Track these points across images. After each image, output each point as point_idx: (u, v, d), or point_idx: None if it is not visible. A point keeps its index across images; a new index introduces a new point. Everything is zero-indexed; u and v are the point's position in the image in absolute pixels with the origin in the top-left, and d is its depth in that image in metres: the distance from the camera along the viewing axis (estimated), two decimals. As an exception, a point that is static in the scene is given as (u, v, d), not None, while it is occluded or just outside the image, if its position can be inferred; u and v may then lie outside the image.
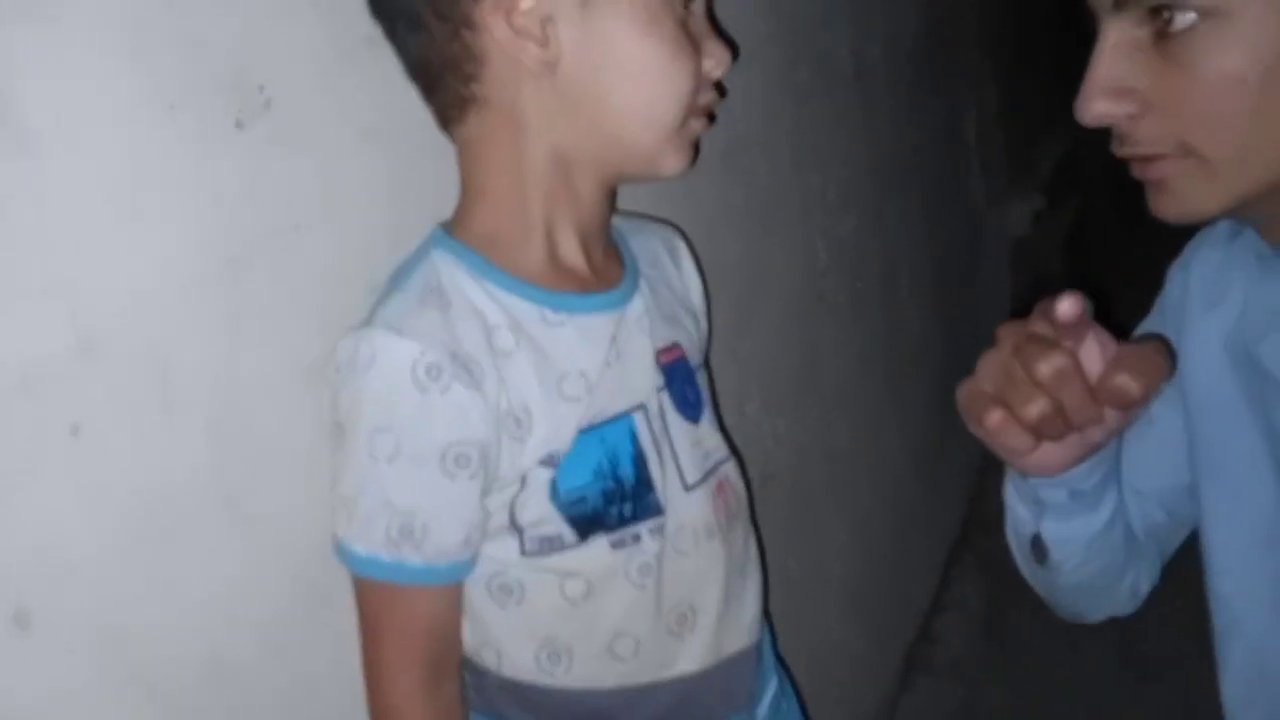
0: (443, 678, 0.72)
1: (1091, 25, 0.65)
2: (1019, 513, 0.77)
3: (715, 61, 0.73)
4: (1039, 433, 0.61)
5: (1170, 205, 0.64)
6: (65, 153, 0.58)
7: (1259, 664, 0.75)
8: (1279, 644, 0.73)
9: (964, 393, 0.65)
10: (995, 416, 0.61)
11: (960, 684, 1.89)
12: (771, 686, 0.85)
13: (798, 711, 0.91)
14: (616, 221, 0.82)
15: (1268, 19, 0.58)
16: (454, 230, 0.73)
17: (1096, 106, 0.63)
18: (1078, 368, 0.60)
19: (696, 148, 0.75)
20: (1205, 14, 0.59)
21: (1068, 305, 0.60)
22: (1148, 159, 0.64)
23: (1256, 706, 0.76)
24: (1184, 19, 0.59)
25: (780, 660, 0.91)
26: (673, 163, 0.73)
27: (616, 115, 0.70)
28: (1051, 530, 0.75)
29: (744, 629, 0.81)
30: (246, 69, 0.67)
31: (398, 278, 0.70)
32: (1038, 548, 0.77)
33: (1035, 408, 0.60)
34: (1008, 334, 0.63)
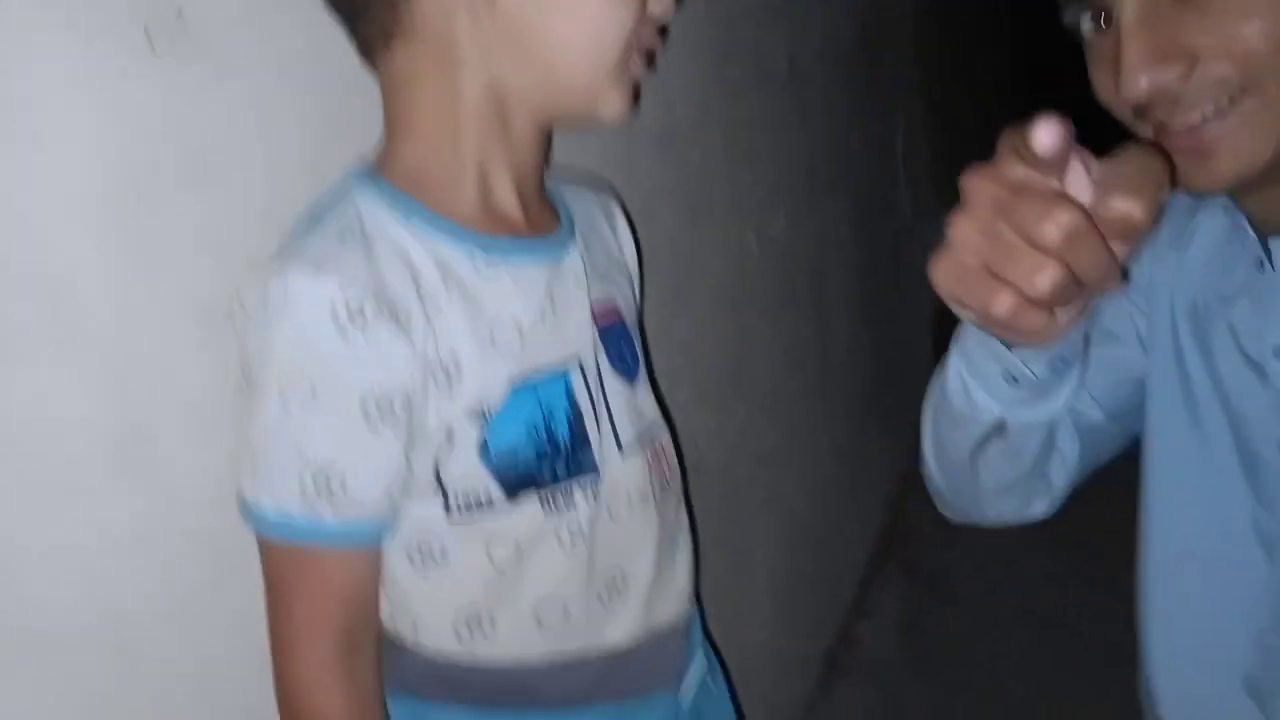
0: (357, 651, 0.67)
1: (1049, 8, 0.63)
2: (976, 399, 0.67)
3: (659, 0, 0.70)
4: (1050, 304, 0.51)
5: (1223, 165, 0.61)
6: None
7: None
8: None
9: (944, 270, 0.52)
10: (1006, 302, 0.50)
11: (879, 686, 1.89)
12: (700, 665, 0.82)
13: (726, 692, 0.88)
14: (551, 179, 0.78)
15: None
16: (378, 169, 0.68)
17: (1144, 77, 0.60)
18: (1087, 220, 0.49)
19: (637, 96, 0.73)
20: None
21: (1046, 134, 0.48)
22: (1199, 126, 0.61)
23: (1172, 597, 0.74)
24: None
25: (710, 641, 0.89)
26: (612, 103, 0.69)
27: (557, 49, 0.67)
28: (1019, 414, 0.67)
29: (673, 600, 0.78)
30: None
31: (313, 218, 0.66)
32: (995, 436, 0.69)
33: (1047, 278, 0.49)
34: (981, 188, 0.51)
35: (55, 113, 0.59)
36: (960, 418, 0.70)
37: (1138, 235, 0.51)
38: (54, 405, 0.59)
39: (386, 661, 0.71)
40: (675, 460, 0.81)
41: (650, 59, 0.73)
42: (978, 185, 0.51)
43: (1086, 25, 0.65)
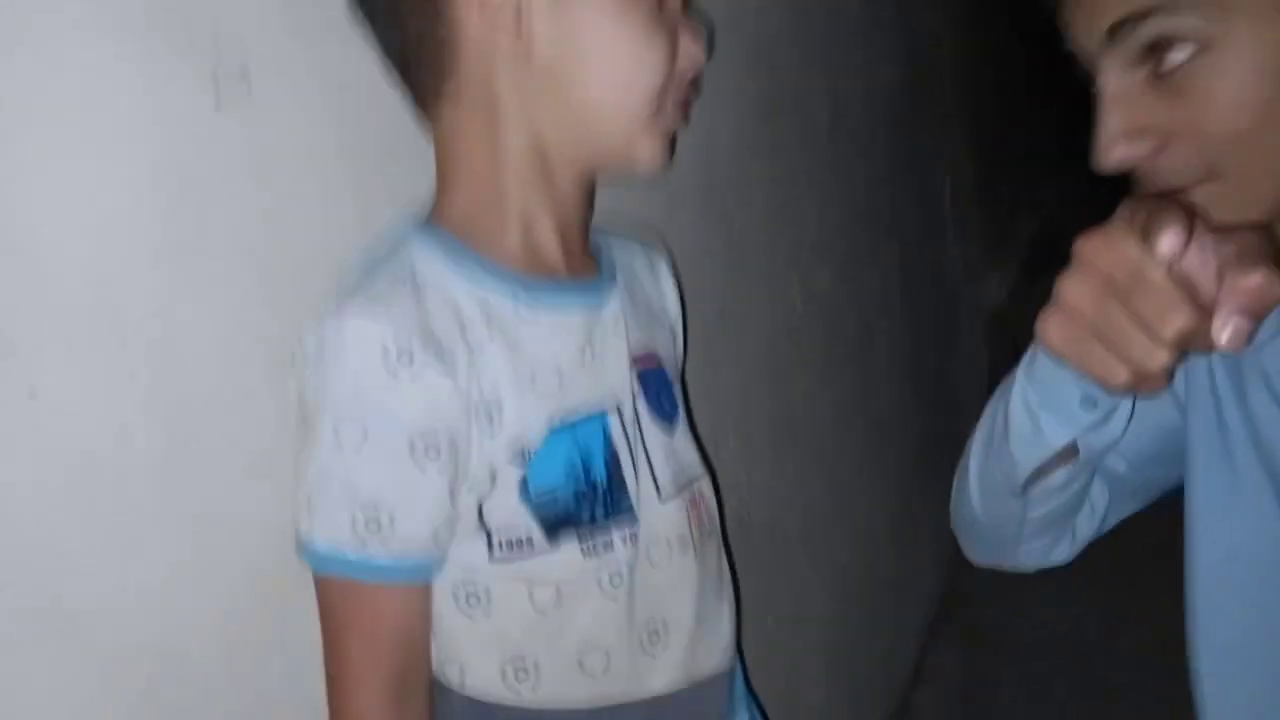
0: (410, 693, 0.68)
1: (1085, 81, 0.65)
2: (1044, 426, 0.69)
3: (690, 48, 0.72)
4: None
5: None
6: (36, 120, 0.56)
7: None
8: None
9: (1056, 329, 0.56)
10: (1123, 376, 0.54)
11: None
12: (743, 718, 0.81)
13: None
14: (597, 231, 0.80)
15: (1264, 33, 0.58)
16: (430, 217, 0.72)
17: (1116, 152, 0.62)
18: (1202, 316, 0.53)
19: (672, 146, 0.74)
20: (1200, 45, 0.59)
21: (1170, 240, 0.52)
22: (1175, 191, 0.62)
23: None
24: (1179, 54, 0.59)
25: (756, 701, 0.87)
26: (647, 153, 0.72)
27: (590, 103, 0.70)
28: (1089, 439, 0.68)
29: (717, 651, 0.77)
30: (225, 36, 0.65)
31: (368, 263, 0.69)
32: (1059, 462, 0.70)
33: (1161, 361, 0.53)
34: (1097, 257, 0.54)
35: (120, 165, 0.61)
36: (1023, 444, 0.71)
37: (1271, 307, 0.54)
38: (115, 447, 0.61)
39: (435, 708, 0.71)
40: (715, 508, 0.81)
41: (685, 109, 0.75)
42: (1094, 253, 0.55)
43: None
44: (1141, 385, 0.55)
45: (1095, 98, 0.65)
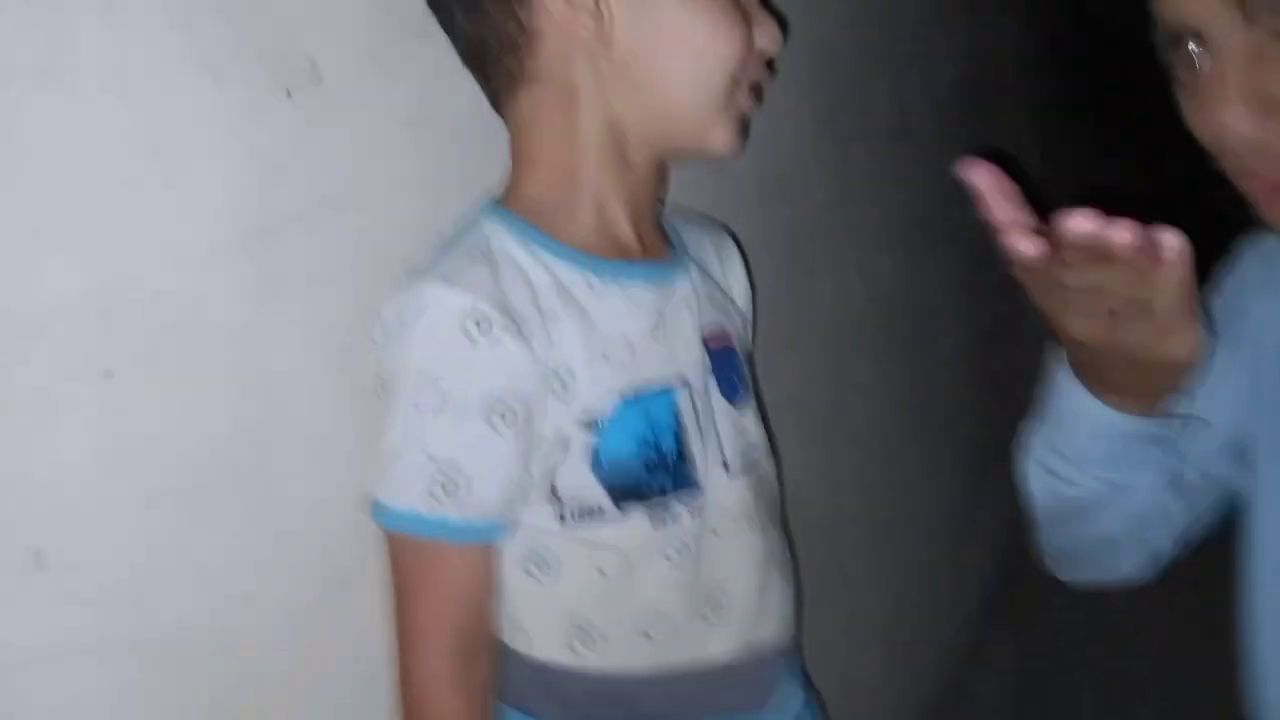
0: (474, 657, 0.70)
1: (1165, 69, 0.61)
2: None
3: (765, 34, 0.74)
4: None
5: None
6: (113, 109, 0.59)
7: None
8: None
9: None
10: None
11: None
12: (799, 698, 0.82)
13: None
14: (670, 213, 0.83)
15: None
16: (503, 201, 0.74)
17: (1237, 125, 0.56)
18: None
19: (746, 130, 0.76)
20: None
21: (1076, 222, 0.53)
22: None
23: None
24: None
25: (810, 683, 0.89)
26: (721, 137, 0.74)
27: (668, 86, 0.72)
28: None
29: (776, 624, 0.79)
30: (297, 42, 0.68)
31: (446, 243, 0.72)
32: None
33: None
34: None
35: (197, 152, 0.64)
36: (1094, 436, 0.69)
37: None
38: (191, 429, 0.64)
39: (500, 671, 0.74)
40: (777, 489, 0.83)
41: (758, 93, 0.76)
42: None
43: (1184, 60, 0.60)
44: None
45: (1188, 65, 0.58)
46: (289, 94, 0.68)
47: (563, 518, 0.71)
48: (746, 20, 0.73)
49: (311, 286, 0.70)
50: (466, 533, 0.68)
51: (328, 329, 0.71)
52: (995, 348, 2.25)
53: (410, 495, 0.67)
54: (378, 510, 0.68)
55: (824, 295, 1.43)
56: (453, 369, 0.66)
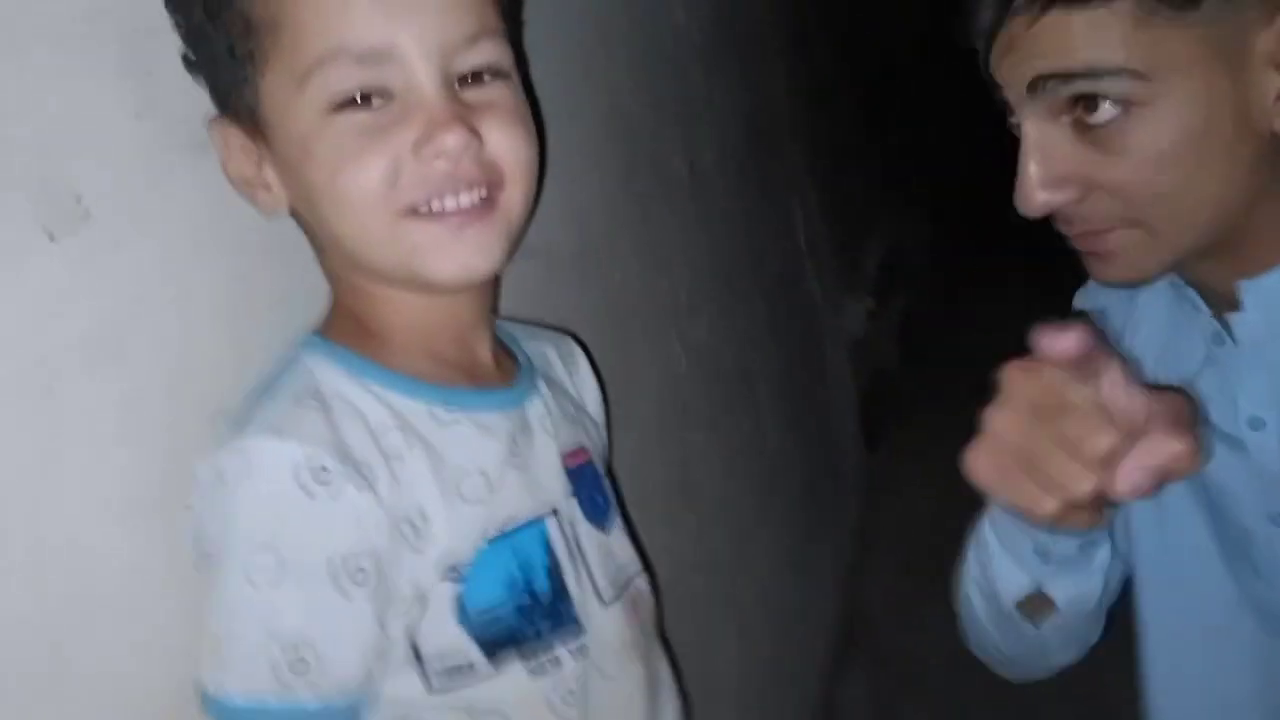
0: None
1: (1003, 112, 0.66)
2: (1005, 570, 0.70)
3: (416, 136, 0.62)
4: (1091, 507, 0.56)
5: (1117, 271, 0.65)
6: None
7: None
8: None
9: (984, 462, 0.57)
10: (1051, 506, 0.54)
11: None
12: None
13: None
14: (509, 327, 0.77)
15: (1189, 93, 0.59)
16: (325, 332, 0.67)
17: (1039, 198, 0.64)
18: (1125, 439, 0.53)
19: (513, 244, 0.67)
20: (1126, 104, 0.59)
21: (1063, 340, 0.54)
22: (1095, 233, 0.64)
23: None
24: (1104, 111, 0.60)
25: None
26: (434, 266, 0.63)
27: (342, 238, 0.65)
28: (1063, 587, 0.69)
29: None
30: (58, 175, 0.60)
31: (264, 387, 0.63)
32: (1033, 604, 0.71)
33: (1087, 485, 0.53)
34: (1021, 386, 0.56)
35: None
36: (998, 580, 0.71)
37: (1178, 477, 0.54)
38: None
39: None
40: (653, 605, 0.78)
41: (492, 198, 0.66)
42: (1018, 382, 0.56)
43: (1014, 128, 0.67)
44: (1070, 516, 0.56)
45: (1017, 136, 0.65)
46: (52, 237, 0.59)
47: (428, 678, 0.63)
48: (387, 148, 0.61)
49: (103, 441, 0.61)
50: (325, 716, 0.59)
51: (127, 482, 0.61)
52: (804, 396, 2.30)
53: (253, 682, 0.58)
54: (211, 705, 0.59)
55: (650, 369, 1.40)
56: (289, 531, 0.58)
